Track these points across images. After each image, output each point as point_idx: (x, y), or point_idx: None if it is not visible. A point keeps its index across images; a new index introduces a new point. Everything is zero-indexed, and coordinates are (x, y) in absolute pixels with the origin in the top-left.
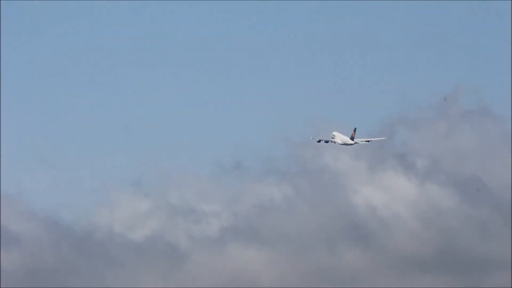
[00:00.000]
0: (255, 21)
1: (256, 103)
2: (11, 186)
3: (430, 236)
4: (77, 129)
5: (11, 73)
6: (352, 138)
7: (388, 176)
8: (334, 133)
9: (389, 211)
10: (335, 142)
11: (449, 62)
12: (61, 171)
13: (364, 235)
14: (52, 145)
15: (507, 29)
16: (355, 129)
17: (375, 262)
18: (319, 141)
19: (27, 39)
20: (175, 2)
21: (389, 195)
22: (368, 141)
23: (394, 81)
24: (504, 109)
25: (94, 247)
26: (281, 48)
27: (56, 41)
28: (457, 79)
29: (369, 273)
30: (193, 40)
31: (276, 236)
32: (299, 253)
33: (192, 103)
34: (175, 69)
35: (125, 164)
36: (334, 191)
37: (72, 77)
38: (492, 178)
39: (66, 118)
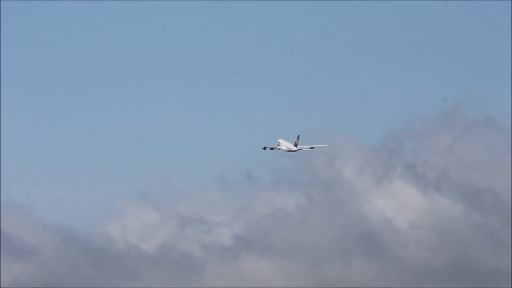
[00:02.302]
0: (262, 31)
1: (263, 114)
2: (19, 196)
3: (440, 246)
4: (82, 138)
5: (13, 77)
6: (296, 145)
7: (395, 186)
8: (280, 140)
9: (395, 221)
10: (280, 149)
11: (453, 72)
12: (69, 183)
13: (369, 244)
14: (56, 155)
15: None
16: (298, 136)
17: (385, 271)
18: (264, 148)
19: (27, 39)
20: (189, 14)
21: (396, 205)
22: (312, 148)
23: (398, 91)
24: (508, 118)
25: (105, 258)
26: (286, 60)
27: (59, 42)
28: (462, 89)
29: (379, 283)
30: (200, 52)
31: (287, 247)
32: (309, 263)
33: (199, 114)
34: (183, 79)
35: (135, 175)
36: (340, 201)
37: (78, 86)
38: (498, 187)
39: (69, 126)
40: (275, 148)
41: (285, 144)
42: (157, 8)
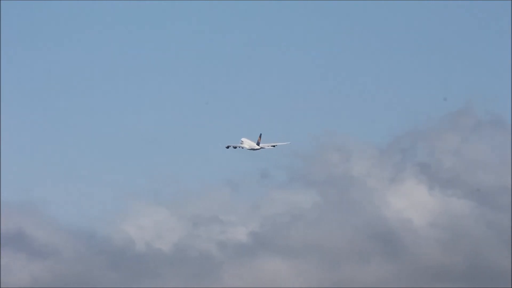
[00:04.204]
0: (263, 35)
1: (270, 114)
2: (29, 196)
3: (452, 245)
4: (94, 140)
5: (14, 79)
6: (258, 143)
7: (405, 187)
8: (243, 139)
9: (409, 221)
10: (242, 148)
11: (459, 73)
12: (80, 183)
13: (383, 243)
14: (68, 156)
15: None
16: (260, 135)
17: (399, 271)
18: (227, 147)
19: (27, 39)
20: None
21: (409, 205)
22: (274, 146)
23: (405, 93)
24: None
25: (119, 259)
26: (292, 61)
27: (60, 43)
28: (468, 90)
29: (393, 282)
30: (206, 54)
31: (302, 245)
32: (323, 262)
33: (209, 114)
34: (193, 80)
35: (149, 177)
36: (353, 201)
37: (85, 87)
38: (508, 185)
39: (79, 128)
40: (238, 147)
41: (247, 143)
42: (157, 8)
